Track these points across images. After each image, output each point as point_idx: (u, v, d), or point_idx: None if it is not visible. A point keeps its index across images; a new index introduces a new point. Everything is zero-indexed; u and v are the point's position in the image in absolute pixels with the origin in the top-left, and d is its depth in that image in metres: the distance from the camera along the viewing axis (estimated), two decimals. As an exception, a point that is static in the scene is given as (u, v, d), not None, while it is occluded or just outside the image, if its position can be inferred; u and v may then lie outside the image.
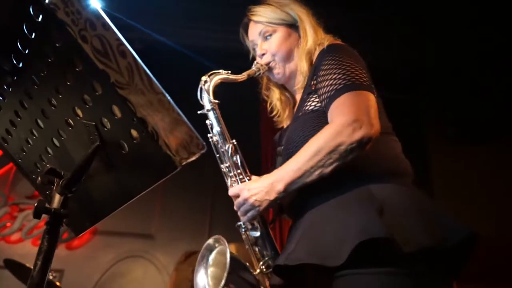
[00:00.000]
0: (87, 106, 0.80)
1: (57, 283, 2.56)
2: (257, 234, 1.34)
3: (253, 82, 1.62)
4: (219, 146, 1.40)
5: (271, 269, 1.32)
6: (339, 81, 1.22)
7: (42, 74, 0.83)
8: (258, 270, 1.36)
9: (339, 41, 1.44)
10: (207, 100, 1.40)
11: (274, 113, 1.62)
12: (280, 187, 1.20)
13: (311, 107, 1.32)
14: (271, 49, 1.50)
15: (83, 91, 0.78)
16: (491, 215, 3.79)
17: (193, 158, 0.74)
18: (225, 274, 1.29)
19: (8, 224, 3.93)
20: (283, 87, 1.61)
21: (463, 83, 4.21)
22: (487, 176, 4.02)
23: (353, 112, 1.15)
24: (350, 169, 1.17)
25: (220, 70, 1.46)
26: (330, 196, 1.18)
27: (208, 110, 1.40)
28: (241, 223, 1.35)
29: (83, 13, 0.68)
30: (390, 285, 1.04)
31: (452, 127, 4.30)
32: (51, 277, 2.60)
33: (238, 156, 1.38)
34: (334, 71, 1.25)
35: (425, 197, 1.19)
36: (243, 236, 1.40)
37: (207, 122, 1.41)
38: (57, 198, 0.87)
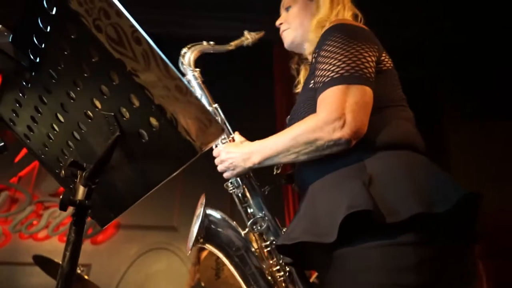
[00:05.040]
0: (105, 96, 0.81)
1: (85, 277, 2.62)
2: (240, 192, 1.43)
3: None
4: None
5: (258, 229, 1.39)
6: (335, 68, 1.19)
7: (59, 68, 0.84)
8: (247, 229, 1.41)
9: (347, 20, 1.40)
10: (188, 69, 1.54)
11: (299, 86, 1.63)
12: (255, 159, 1.27)
13: (311, 85, 1.31)
14: (287, 19, 1.57)
15: (101, 82, 0.79)
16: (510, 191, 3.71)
17: (214, 143, 0.74)
18: (197, 224, 1.39)
19: (35, 222, 4.03)
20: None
21: (481, 58, 4.10)
22: (505, 152, 3.93)
23: (337, 109, 1.12)
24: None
25: (202, 42, 1.58)
26: (327, 171, 1.19)
27: (188, 79, 1.54)
28: (228, 183, 1.43)
29: (96, 2, 0.68)
30: (385, 257, 1.02)
31: (469, 103, 4.21)
32: (79, 271, 2.66)
33: (219, 118, 1.50)
34: (333, 55, 1.21)
35: (421, 163, 1.15)
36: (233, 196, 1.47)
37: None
38: (81, 190, 0.88)
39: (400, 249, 1.01)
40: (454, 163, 4.05)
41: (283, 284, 1.33)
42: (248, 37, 1.59)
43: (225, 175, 1.36)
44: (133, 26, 0.68)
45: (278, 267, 1.35)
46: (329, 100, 1.16)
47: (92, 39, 0.71)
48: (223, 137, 1.45)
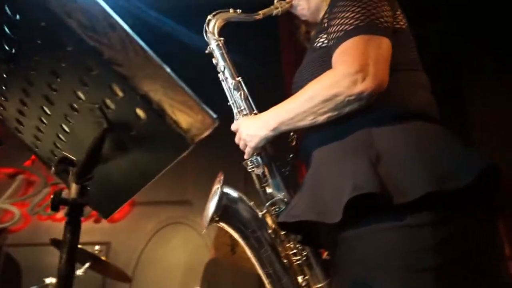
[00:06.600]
0: (87, 87, 0.74)
1: (103, 258, 2.65)
2: (260, 171, 1.32)
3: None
4: (224, 83, 1.41)
5: (276, 210, 1.31)
6: (351, 21, 1.08)
7: (35, 58, 0.77)
8: (264, 210, 1.34)
9: None
10: (211, 38, 1.41)
11: None
12: (271, 125, 1.17)
13: (319, 44, 1.21)
14: None
15: (80, 72, 0.72)
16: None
17: (206, 134, 0.67)
18: (214, 202, 1.33)
19: (52, 203, 4.09)
20: None
21: (504, 14, 3.86)
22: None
23: (358, 61, 1.02)
24: (355, 111, 1.06)
25: (229, 9, 1.44)
26: (332, 141, 1.11)
27: (212, 48, 1.41)
28: (247, 161, 1.33)
29: (61, -15, 0.60)
30: (402, 239, 0.96)
31: (489, 59, 4.00)
32: (96, 252, 2.69)
33: (241, 93, 1.37)
34: (348, 8, 1.11)
35: (434, 136, 1.06)
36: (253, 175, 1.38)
37: (213, 60, 1.43)
38: (73, 188, 0.83)
39: (418, 231, 0.95)
40: (474, 122, 3.91)
41: (299, 268, 1.29)
42: (278, 7, 1.44)
43: (246, 151, 1.27)
44: (104, 11, 0.60)
45: (294, 251, 1.29)
46: (349, 51, 1.06)
47: (63, 26, 0.64)
48: (245, 112, 1.36)
